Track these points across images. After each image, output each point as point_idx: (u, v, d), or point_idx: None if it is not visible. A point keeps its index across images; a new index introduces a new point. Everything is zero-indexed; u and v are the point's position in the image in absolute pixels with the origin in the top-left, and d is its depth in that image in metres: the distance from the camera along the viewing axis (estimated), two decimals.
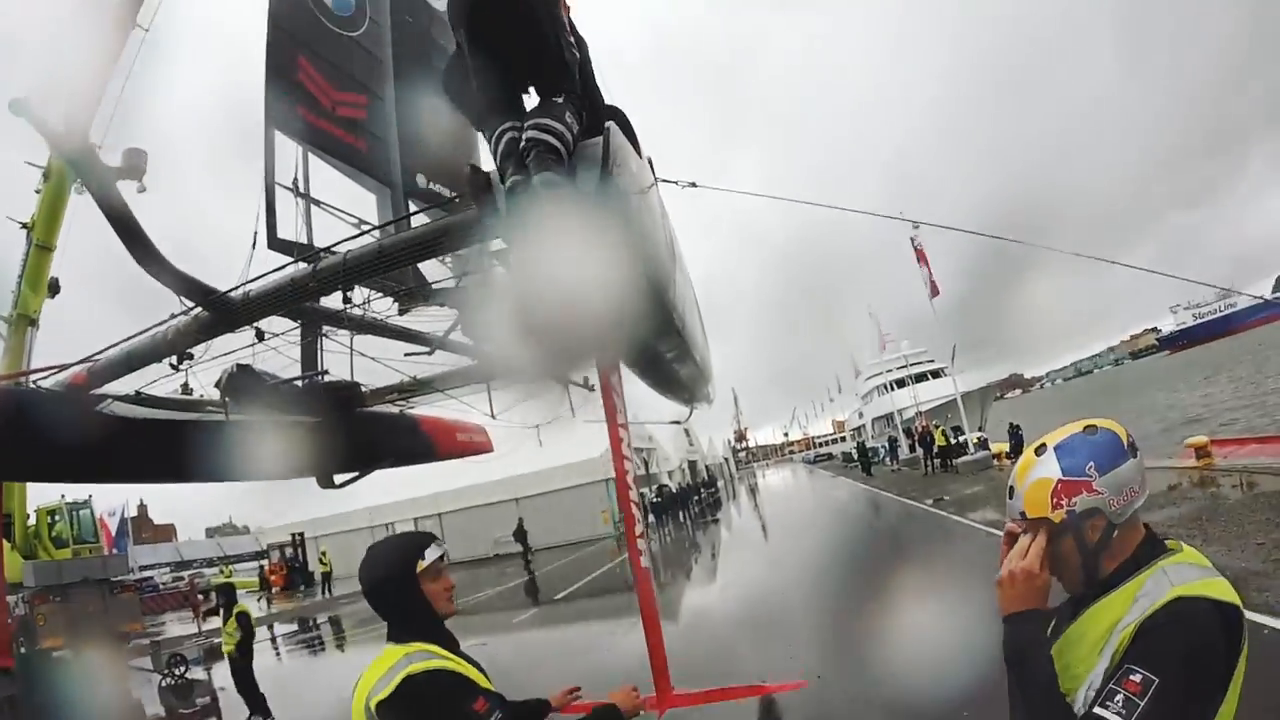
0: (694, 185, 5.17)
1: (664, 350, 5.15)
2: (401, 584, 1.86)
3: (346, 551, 28.87)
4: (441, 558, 1.93)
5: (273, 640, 16.74)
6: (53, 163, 11.33)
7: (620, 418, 5.51)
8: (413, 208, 6.32)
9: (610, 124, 3.38)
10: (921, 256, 23.71)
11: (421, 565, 1.86)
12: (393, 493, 25.07)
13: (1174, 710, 1.20)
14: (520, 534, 23.79)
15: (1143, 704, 1.19)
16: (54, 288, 12.77)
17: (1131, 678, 1.22)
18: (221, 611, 8.81)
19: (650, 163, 4.62)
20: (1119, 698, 1.21)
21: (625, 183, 3.39)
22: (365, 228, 5.44)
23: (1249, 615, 4.68)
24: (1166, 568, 1.34)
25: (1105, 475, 1.35)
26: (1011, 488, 1.46)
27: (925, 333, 44.95)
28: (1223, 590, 1.29)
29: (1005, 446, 21.01)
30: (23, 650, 11.30)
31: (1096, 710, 1.23)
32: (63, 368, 5.58)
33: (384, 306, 5.78)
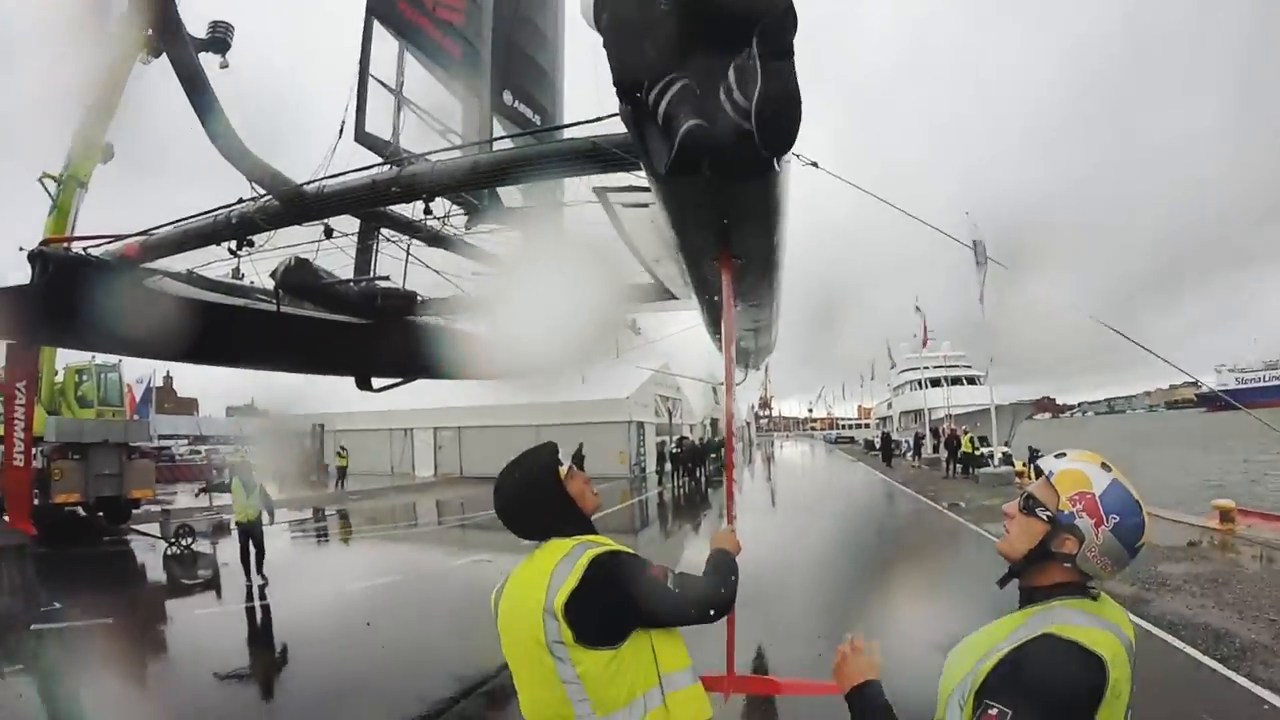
0: (815, 165, 4.88)
1: (759, 321, 4.99)
2: (553, 491, 1.91)
3: (362, 449, 29.65)
4: (574, 457, 2.03)
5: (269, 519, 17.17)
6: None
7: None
8: (495, 125, 6.20)
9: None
10: (984, 260, 22.94)
11: (562, 471, 1.93)
12: (413, 400, 25.44)
13: None
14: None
15: None
16: (108, 153, 12.81)
17: (989, 713, 1.27)
18: (238, 484, 9.48)
19: None
20: None
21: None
22: (456, 143, 5.30)
23: (1253, 689, 4.87)
24: (1057, 607, 1.40)
25: (1113, 534, 1.39)
26: (1064, 453, 1.52)
27: (967, 338, 44.18)
28: (1096, 641, 1.31)
29: (1023, 466, 20.77)
30: (36, 502, 11.66)
31: None
32: (116, 238, 5.55)
33: (453, 214, 5.69)
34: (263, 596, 9.22)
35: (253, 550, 9.48)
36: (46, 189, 12.77)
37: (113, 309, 5.03)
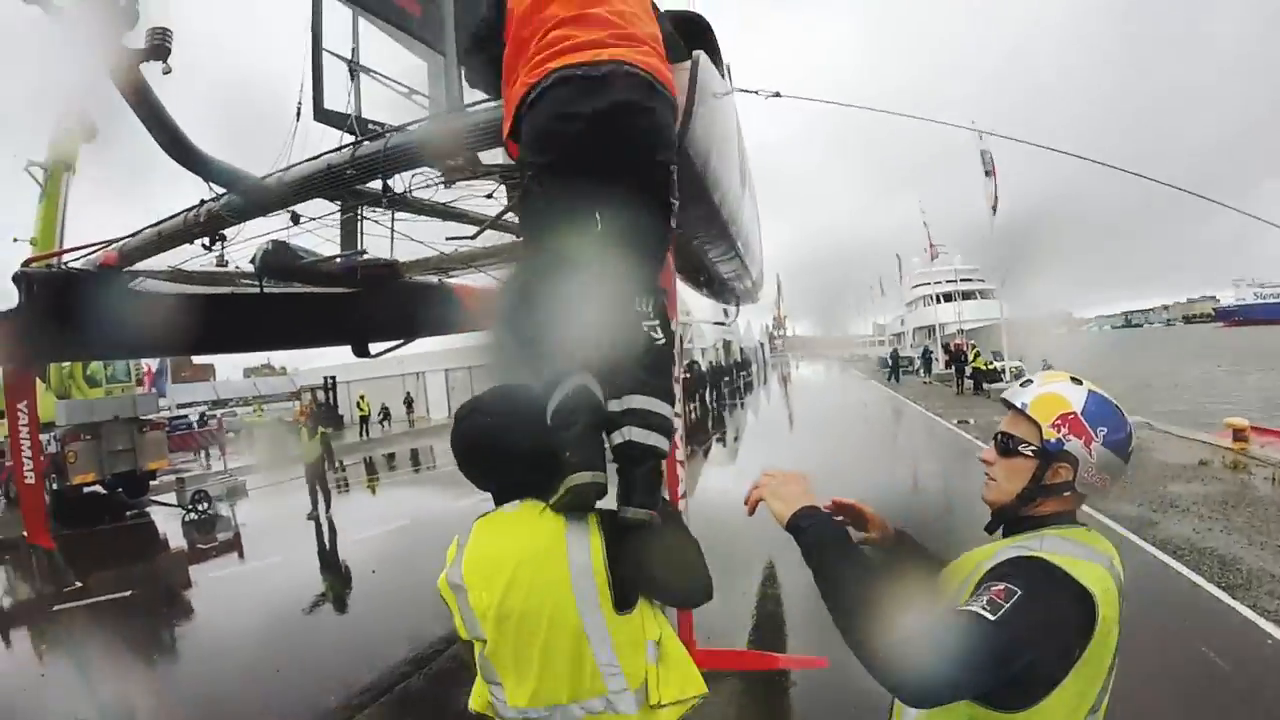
0: (778, 95, 4.70)
1: (721, 266, 4.87)
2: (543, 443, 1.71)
3: (380, 396, 30.08)
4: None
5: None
6: None
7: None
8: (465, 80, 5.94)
9: (699, 54, 2.97)
10: (993, 170, 22.42)
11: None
12: (422, 344, 25.37)
13: (1035, 618, 1.16)
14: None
15: (1007, 605, 1.15)
16: (91, 131, 12.49)
17: (995, 586, 1.20)
18: (305, 431, 11.33)
19: (728, 70, 4.25)
20: (985, 599, 1.18)
21: (706, 114, 3.05)
22: (423, 104, 5.08)
23: (1258, 621, 4.78)
24: (1049, 535, 1.34)
25: (1106, 447, 1.34)
26: (1029, 380, 1.45)
27: (980, 250, 43.53)
28: (1088, 575, 1.24)
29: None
30: (55, 488, 12.04)
31: (963, 608, 1.20)
32: (94, 248, 5.56)
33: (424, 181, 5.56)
34: (332, 531, 10.39)
35: (319, 490, 11.00)
36: (34, 177, 12.62)
37: (103, 317, 5.13)
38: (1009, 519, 1.43)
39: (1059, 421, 1.35)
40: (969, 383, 23.69)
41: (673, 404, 1.87)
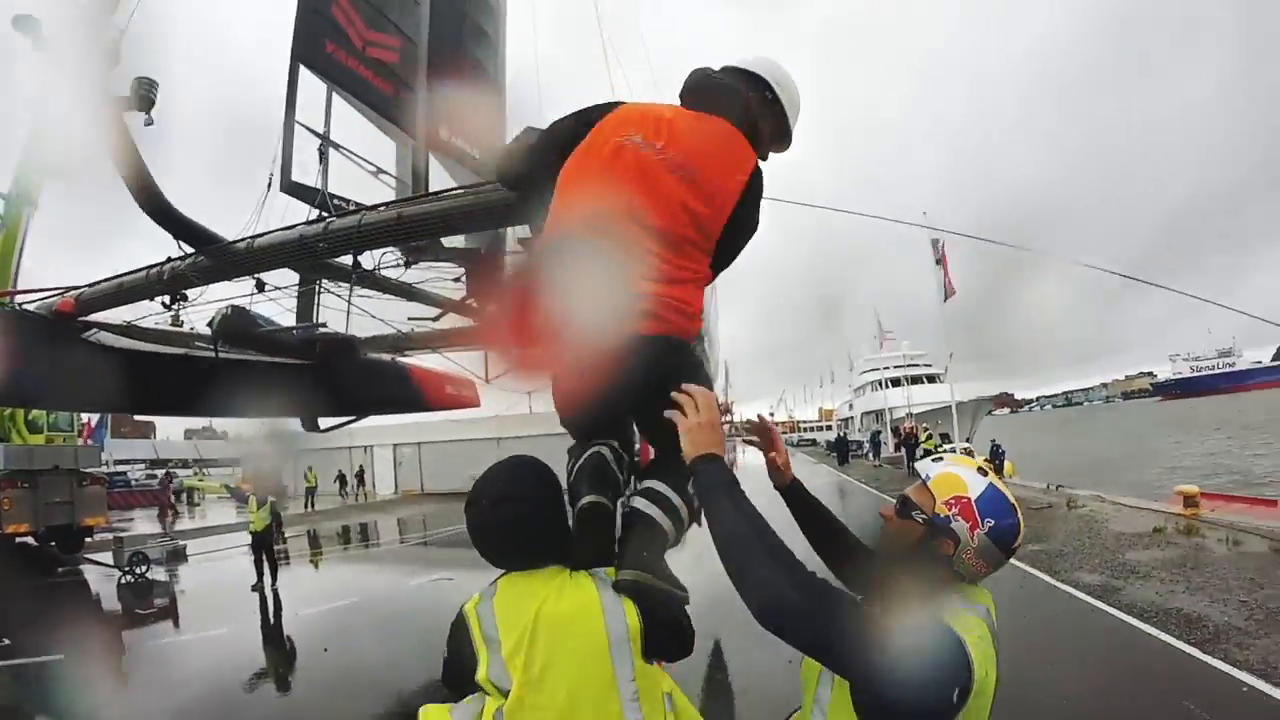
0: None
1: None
2: (562, 515, 1.76)
3: (328, 470, 29.28)
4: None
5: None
6: None
7: None
8: (433, 161, 6.07)
9: None
10: (943, 258, 23.43)
11: None
12: (371, 417, 24.88)
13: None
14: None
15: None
16: (61, 170, 12.21)
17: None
18: (254, 500, 10.81)
19: None
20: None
21: None
22: (390, 183, 5.18)
23: (1231, 671, 4.89)
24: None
25: (988, 536, 1.41)
26: (942, 458, 1.55)
27: (927, 336, 45.00)
28: (957, 623, 1.30)
29: (984, 462, 21.04)
30: None
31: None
32: (50, 293, 5.39)
33: (389, 260, 5.61)
34: (277, 605, 9.90)
35: (265, 560, 10.63)
36: None
37: (52, 364, 4.97)
38: (892, 581, 1.50)
39: (952, 501, 1.44)
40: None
41: (690, 505, 1.89)
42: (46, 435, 14.27)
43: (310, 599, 10.39)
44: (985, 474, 1.49)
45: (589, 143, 1.87)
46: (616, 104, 1.98)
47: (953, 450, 23.52)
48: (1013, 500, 1.45)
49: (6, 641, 7.45)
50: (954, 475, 1.48)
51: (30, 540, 12.45)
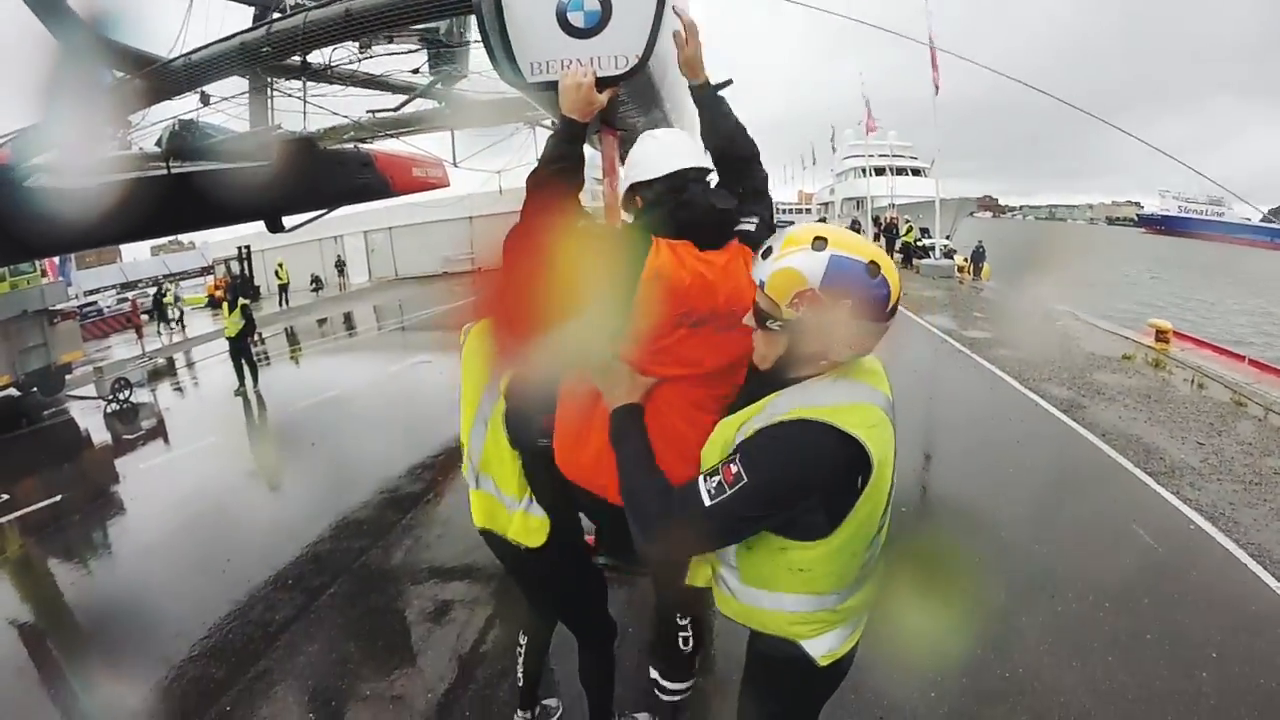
0: None
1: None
2: None
3: (298, 263, 28.56)
4: None
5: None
6: None
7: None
8: None
9: None
10: (933, 56, 21.83)
11: None
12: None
13: (750, 512, 1.31)
14: None
15: (728, 492, 1.29)
16: None
17: (730, 467, 1.30)
18: (226, 305, 10.77)
19: None
20: (715, 480, 1.32)
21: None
22: None
23: (1181, 507, 5.00)
24: (819, 382, 1.36)
25: (851, 317, 1.29)
26: (770, 248, 1.35)
27: (915, 129, 43.13)
28: (851, 421, 1.28)
29: (964, 261, 20.93)
30: None
31: (697, 481, 1.34)
32: None
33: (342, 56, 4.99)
34: (261, 406, 10.33)
35: (244, 364, 10.83)
36: None
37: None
38: (782, 381, 1.40)
39: (796, 300, 1.28)
40: (898, 256, 23.96)
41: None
42: (10, 282, 13.50)
43: (293, 396, 10.52)
44: (823, 244, 1.28)
45: None
46: None
47: (932, 246, 23.48)
48: (869, 258, 1.27)
49: (5, 497, 7.45)
50: (787, 270, 1.29)
51: (13, 391, 12.11)
